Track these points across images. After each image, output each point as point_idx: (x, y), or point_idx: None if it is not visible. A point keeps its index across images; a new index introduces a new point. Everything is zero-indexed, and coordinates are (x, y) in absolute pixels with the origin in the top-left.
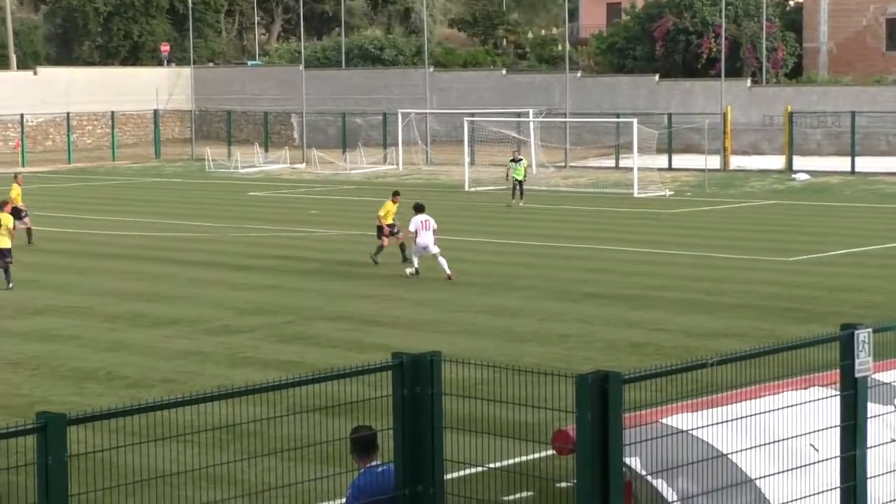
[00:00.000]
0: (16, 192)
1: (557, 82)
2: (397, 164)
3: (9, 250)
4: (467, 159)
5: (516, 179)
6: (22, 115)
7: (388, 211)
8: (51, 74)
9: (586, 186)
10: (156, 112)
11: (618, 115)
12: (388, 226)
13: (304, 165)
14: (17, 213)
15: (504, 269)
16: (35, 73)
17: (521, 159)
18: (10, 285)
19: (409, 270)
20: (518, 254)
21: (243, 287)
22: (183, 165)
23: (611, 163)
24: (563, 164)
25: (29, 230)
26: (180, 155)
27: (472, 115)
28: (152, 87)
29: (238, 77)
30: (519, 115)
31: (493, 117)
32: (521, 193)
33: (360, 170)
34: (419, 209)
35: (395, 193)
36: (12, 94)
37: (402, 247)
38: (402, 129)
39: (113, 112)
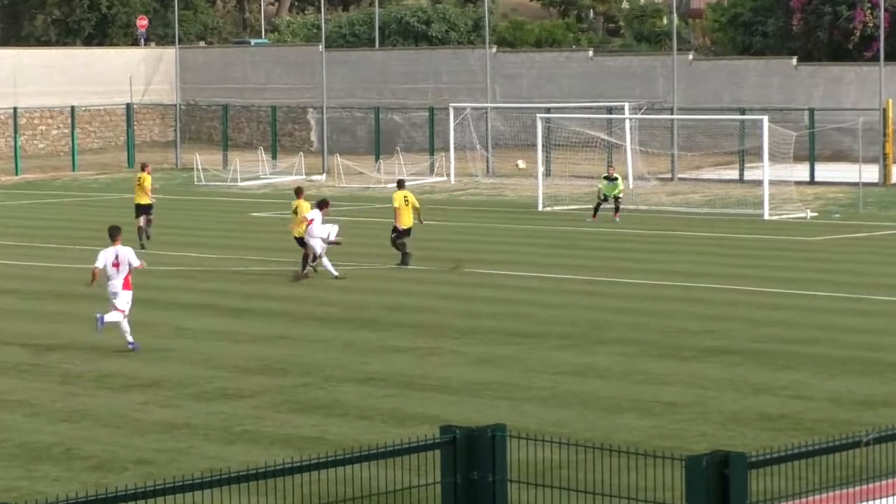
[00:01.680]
0: (148, 183)
1: (662, 67)
2: (448, 176)
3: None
4: (541, 169)
5: (607, 196)
6: None
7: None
8: None
9: (700, 206)
10: (129, 107)
11: (742, 111)
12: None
13: (324, 177)
14: (147, 210)
15: (592, 314)
16: None
17: (616, 178)
18: (308, 271)
19: (307, 269)
20: (610, 295)
21: (244, 338)
22: (165, 177)
23: (733, 174)
24: (668, 175)
25: (149, 222)
26: (161, 164)
27: (548, 110)
28: (125, 74)
29: (238, 60)
30: (610, 110)
31: (576, 114)
32: (617, 208)
33: None
34: (321, 206)
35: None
36: None
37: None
38: (455, 130)
39: (73, 107)
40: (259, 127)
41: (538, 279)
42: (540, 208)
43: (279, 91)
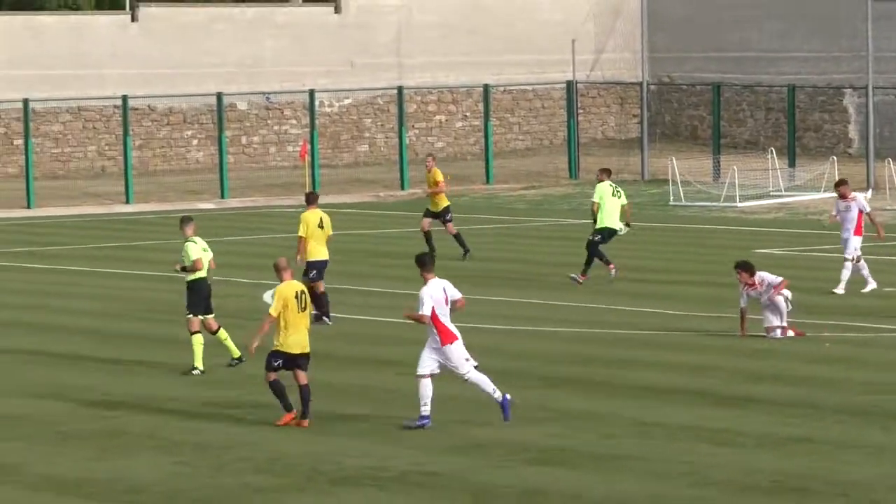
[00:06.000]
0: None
1: None
2: None
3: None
4: None
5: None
6: None
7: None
8: None
9: None
10: (571, 86)
11: None
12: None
13: (867, 194)
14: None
15: None
16: None
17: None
18: None
19: None
20: None
21: None
22: (626, 192)
23: None
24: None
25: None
26: (620, 172)
27: None
28: (564, 35)
29: (732, 16)
30: None
31: None
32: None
33: None
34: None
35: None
36: None
37: None
38: None
39: (486, 86)
40: (769, 117)
41: None
42: None
43: (798, 62)
